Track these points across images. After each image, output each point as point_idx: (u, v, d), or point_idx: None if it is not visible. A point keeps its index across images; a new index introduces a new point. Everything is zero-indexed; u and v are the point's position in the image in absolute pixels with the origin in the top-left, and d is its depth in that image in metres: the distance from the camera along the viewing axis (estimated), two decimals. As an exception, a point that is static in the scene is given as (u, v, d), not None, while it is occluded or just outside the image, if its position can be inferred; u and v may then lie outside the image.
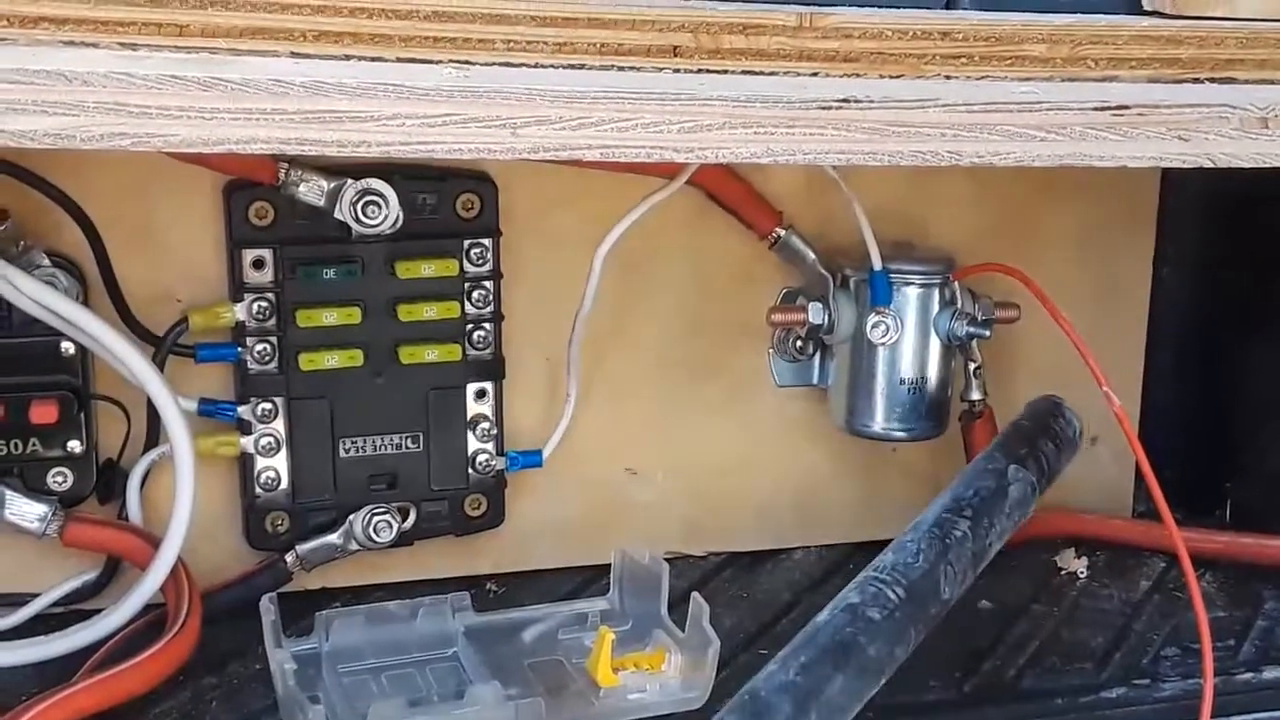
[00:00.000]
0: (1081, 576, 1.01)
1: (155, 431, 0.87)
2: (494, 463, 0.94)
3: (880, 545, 1.02)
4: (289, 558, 0.90)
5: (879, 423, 0.97)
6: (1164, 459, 0.91)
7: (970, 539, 0.81)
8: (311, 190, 0.84)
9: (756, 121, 0.64)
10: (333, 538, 0.91)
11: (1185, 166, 0.72)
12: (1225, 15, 0.78)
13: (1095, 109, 0.70)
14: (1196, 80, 0.76)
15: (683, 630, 0.83)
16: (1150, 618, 0.95)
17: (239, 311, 0.87)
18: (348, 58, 0.63)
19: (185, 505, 0.81)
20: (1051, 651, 0.90)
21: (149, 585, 0.83)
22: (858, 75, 0.71)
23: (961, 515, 0.82)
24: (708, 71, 0.69)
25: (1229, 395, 1.07)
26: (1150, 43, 0.75)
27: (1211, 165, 0.72)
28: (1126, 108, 0.70)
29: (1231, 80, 0.76)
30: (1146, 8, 0.78)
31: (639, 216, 0.90)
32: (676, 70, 0.68)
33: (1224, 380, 1.07)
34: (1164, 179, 1.05)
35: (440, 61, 0.65)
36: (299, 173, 0.84)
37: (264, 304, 0.87)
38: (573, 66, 0.67)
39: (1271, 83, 0.76)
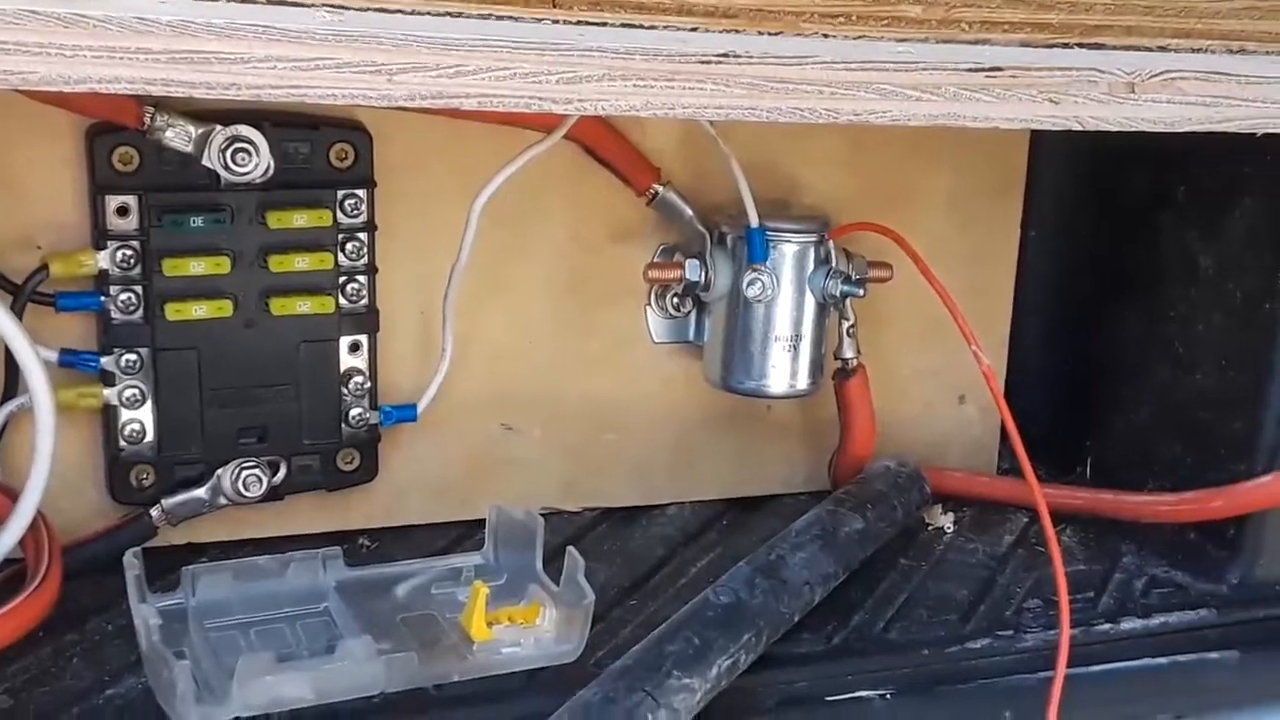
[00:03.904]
0: (948, 531, 1.03)
1: (14, 382, 0.85)
2: (367, 416, 0.92)
3: (753, 501, 1.05)
4: (154, 512, 0.89)
5: (754, 379, 0.97)
6: (1028, 417, 0.94)
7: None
8: (178, 136, 0.82)
9: (636, 74, 0.64)
10: (200, 492, 0.89)
11: (1055, 129, 0.73)
12: (1095, -19, 0.80)
13: (969, 70, 0.71)
14: (1066, 45, 0.77)
15: (557, 585, 0.83)
16: (1014, 571, 0.97)
17: (102, 259, 0.85)
18: (217, -3, 0.62)
19: (45, 458, 0.79)
20: (919, 604, 0.92)
21: (7, 540, 0.80)
22: (737, 31, 0.71)
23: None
24: (587, 24, 0.68)
25: (1091, 356, 1.10)
26: (1022, 7, 0.76)
27: (1080, 128, 0.73)
28: (1000, 70, 0.71)
29: (1100, 46, 0.78)
30: (1020, -29, 0.80)
31: (517, 169, 0.89)
32: (556, 21, 0.68)
33: (1086, 341, 1.10)
34: (1032, 143, 1.07)
35: (314, 4, 0.63)
36: (165, 117, 0.81)
37: (128, 252, 0.85)
38: (450, 14, 0.66)
39: (1138, 49, 0.78)
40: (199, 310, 0.87)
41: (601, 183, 0.96)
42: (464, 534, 0.96)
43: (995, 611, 0.92)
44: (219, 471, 0.89)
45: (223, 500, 0.90)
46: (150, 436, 0.88)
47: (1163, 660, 0.91)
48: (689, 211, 0.97)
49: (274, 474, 0.91)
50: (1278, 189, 0.91)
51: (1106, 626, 0.91)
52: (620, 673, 0.75)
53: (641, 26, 0.69)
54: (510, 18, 0.66)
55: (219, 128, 0.82)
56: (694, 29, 0.70)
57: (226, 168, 0.82)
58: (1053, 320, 1.13)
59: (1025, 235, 1.09)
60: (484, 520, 0.90)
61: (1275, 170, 0.90)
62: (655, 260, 0.98)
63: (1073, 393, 1.11)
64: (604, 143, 0.94)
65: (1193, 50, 0.80)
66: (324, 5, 0.63)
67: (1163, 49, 0.80)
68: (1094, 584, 0.96)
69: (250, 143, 0.82)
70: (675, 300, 1.00)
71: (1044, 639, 0.88)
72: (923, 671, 0.86)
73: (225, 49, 0.58)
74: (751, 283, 0.94)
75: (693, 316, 1.01)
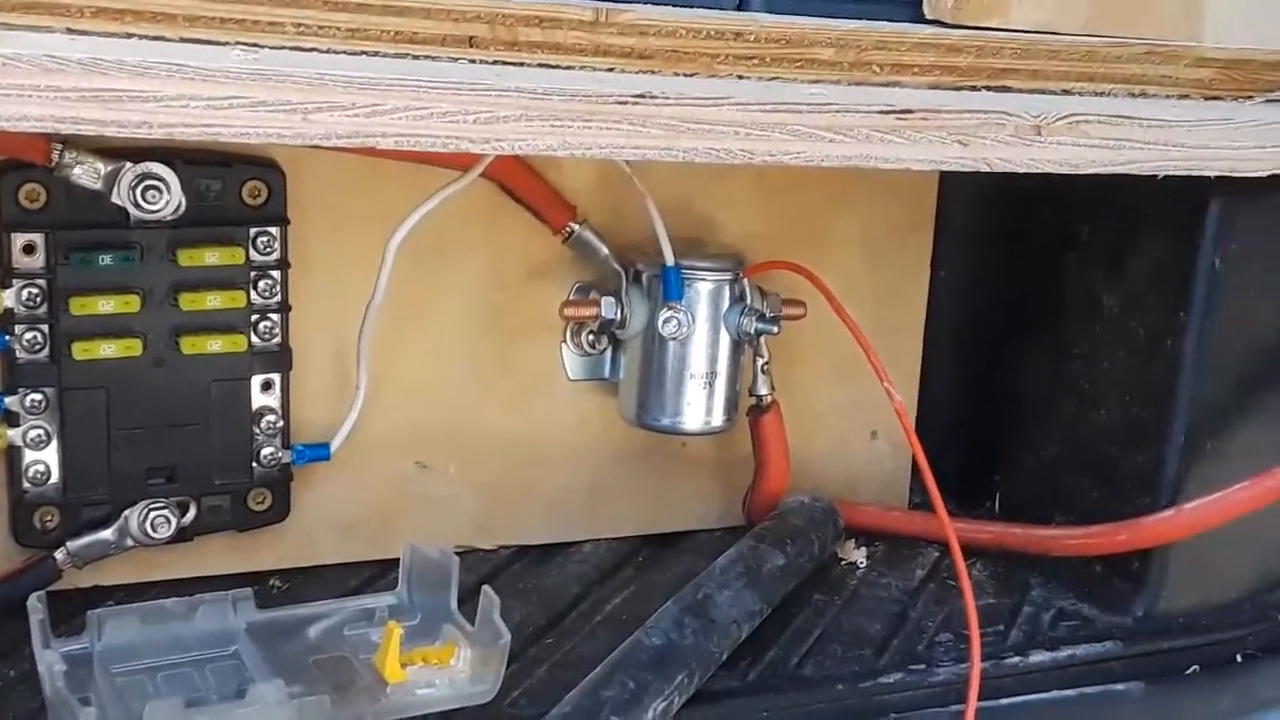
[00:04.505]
0: (861, 566, 1.03)
1: (-86, 423, 0.83)
2: (279, 455, 0.91)
3: (668, 538, 1.05)
4: (59, 554, 0.87)
5: (669, 417, 0.98)
6: (938, 453, 0.95)
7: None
8: (87, 173, 0.81)
9: (553, 114, 0.65)
10: (106, 534, 0.88)
11: (964, 170, 0.75)
12: (1001, 26, 0.82)
13: (880, 112, 0.72)
14: (974, 88, 0.79)
15: (473, 624, 0.83)
16: (925, 605, 0.98)
17: (7, 298, 0.83)
18: (129, 36, 0.61)
19: (-54, 501, 0.77)
20: (833, 639, 0.92)
21: (-95, 585, 0.78)
22: (653, 72, 0.71)
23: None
24: (504, 63, 0.68)
25: (999, 393, 1.11)
26: (932, 50, 0.77)
27: (989, 169, 0.75)
28: (910, 112, 0.72)
29: (1006, 89, 0.80)
30: (928, 16, 0.81)
31: (432, 208, 0.89)
32: (473, 61, 0.68)
33: (995, 378, 1.12)
34: (942, 184, 1.08)
35: (227, 43, 0.63)
36: (74, 154, 0.80)
37: (34, 290, 0.83)
38: (366, 53, 0.66)
39: (1044, 92, 0.80)
40: (107, 349, 0.85)
41: (518, 221, 0.96)
42: (377, 574, 0.95)
43: (908, 645, 0.92)
44: (126, 512, 0.88)
45: (130, 542, 0.88)
46: (55, 477, 0.86)
47: (1071, 692, 0.92)
48: (605, 250, 0.97)
49: (183, 515, 0.89)
50: (1178, 229, 0.93)
51: (1016, 659, 0.92)
52: None
53: (558, 67, 0.69)
54: (427, 57, 0.67)
55: (129, 165, 0.81)
56: (610, 69, 0.70)
57: (136, 205, 0.81)
58: (962, 358, 1.14)
59: (935, 274, 1.10)
60: (398, 559, 0.89)
61: (1176, 211, 0.93)
62: (571, 298, 0.98)
63: (982, 428, 1.13)
64: (520, 181, 0.94)
65: (1096, 94, 0.83)
66: (238, 44, 0.63)
67: (1067, 92, 0.82)
68: (1003, 617, 0.97)
69: (161, 180, 0.81)
70: (591, 338, 1.00)
71: (955, 673, 0.89)
72: (837, 707, 0.87)
73: (137, 87, 0.57)
74: (667, 320, 0.95)
75: (608, 354, 1.01)
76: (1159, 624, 0.97)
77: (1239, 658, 0.97)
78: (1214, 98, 0.86)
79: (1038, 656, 0.93)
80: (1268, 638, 0.98)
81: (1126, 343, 0.97)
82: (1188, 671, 0.95)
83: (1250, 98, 0.86)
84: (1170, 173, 0.81)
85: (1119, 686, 0.93)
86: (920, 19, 0.81)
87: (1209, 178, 0.83)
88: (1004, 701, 0.89)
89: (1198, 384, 0.94)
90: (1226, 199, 0.90)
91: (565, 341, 1.00)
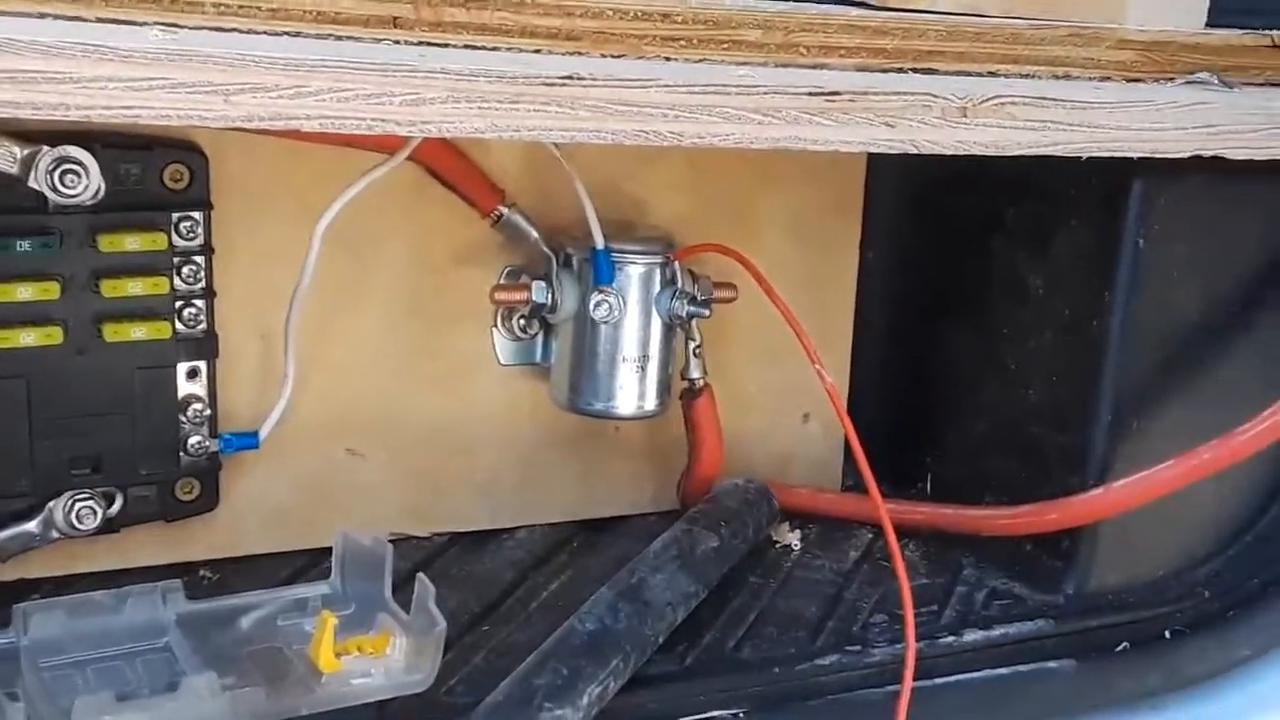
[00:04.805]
0: (795, 549, 1.04)
1: None
2: (207, 444, 0.90)
3: (602, 523, 1.05)
4: (-19, 548, 0.85)
5: (602, 401, 0.97)
6: (869, 435, 0.95)
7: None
8: (3, 157, 0.79)
9: (480, 96, 0.64)
10: (30, 526, 0.86)
11: (892, 152, 0.75)
12: (927, 8, 0.82)
13: (809, 94, 0.72)
14: (901, 70, 0.80)
15: (408, 612, 0.82)
16: (860, 586, 0.99)
17: (-77, 286, 0.81)
18: (43, 15, 0.60)
19: None
20: (768, 622, 0.93)
21: None
22: (580, 54, 0.71)
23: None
24: (429, 44, 0.68)
25: (929, 375, 1.12)
26: (858, 32, 0.78)
27: (916, 151, 0.75)
28: (838, 94, 0.72)
29: (933, 71, 0.80)
30: (855, -2, 0.82)
31: (359, 191, 0.88)
32: (397, 42, 0.67)
33: (924, 360, 1.12)
34: (869, 166, 1.09)
35: (146, 23, 0.62)
36: (-11, 138, 0.79)
37: (-50, 279, 0.82)
38: (288, 34, 0.65)
39: (969, 74, 0.81)
40: (27, 338, 0.83)
41: (446, 204, 0.96)
42: (310, 563, 0.94)
43: (843, 627, 0.93)
44: (51, 504, 0.86)
45: (55, 534, 0.87)
46: (-25, 470, 0.85)
47: (1004, 670, 0.93)
48: (534, 233, 0.97)
49: (109, 505, 0.88)
50: (1102, 211, 0.94)
51: (950, 639, 0.93)
52: (491, 710, 0.74)
53: (485, 48, 0.69)
54: (351, 38, 0.66)
55: (46, 148, 0.79)
56: (538, 51, 0.70)
57: (55, 190, 0.79)
58: (892, 340, 1.15)
59: (864, 256, 1.11)
60: (330, 548, 0.88)
61: (1099, 193, 0.94)
62: (502, 282, 0.98)
63: (912, 410, 1.13)
64: (448, 164, 0.94)
65: (1021, 76, 0.83)
66: (157, 24, 0.62)
67: (993, 74, 0.82)
68: (937, 597, 0.98)
69: (79, 164, 0.80)
70: (522, 322, 1.00)
71: (891, 653, 0.90)
72: (774, 689, 0.87)
73: (53, 68, 0.56)
74: (598, 304, 0.94)
75: (539, 338, 1.00)
76: (1089, 602, 0.99)
77: (1167, 634, 0.98)
78: (1135, 80, 0.87)
79: (971, 636, 0.94)
80: (1194, 614, 1.00)
81: (1052, 323, 0.98)
82: (1118, 648, 0.96)
83: (1171, 79, 0.87)
84: (1094, 154, 0.82)
85: (1051, 664, 0.94)
86: (847, 1, 0.81)
87: (1131, 159, 0.84)
88: (939, 681, 0.90)
89: (1123, 364, 0.95)
90: (1148, 180, 0.91)
91: (496, 326, 1.00)
